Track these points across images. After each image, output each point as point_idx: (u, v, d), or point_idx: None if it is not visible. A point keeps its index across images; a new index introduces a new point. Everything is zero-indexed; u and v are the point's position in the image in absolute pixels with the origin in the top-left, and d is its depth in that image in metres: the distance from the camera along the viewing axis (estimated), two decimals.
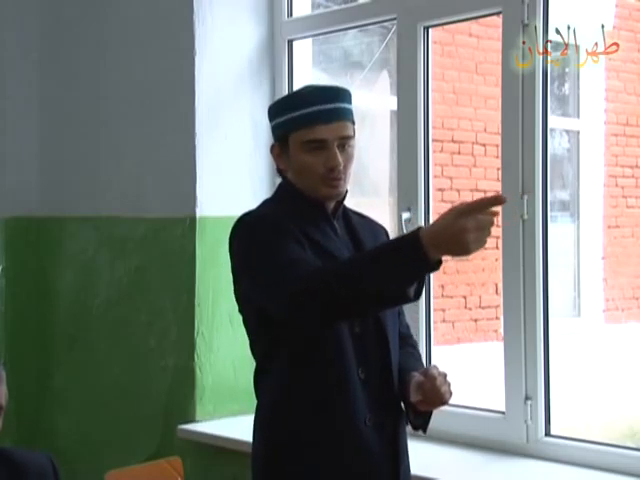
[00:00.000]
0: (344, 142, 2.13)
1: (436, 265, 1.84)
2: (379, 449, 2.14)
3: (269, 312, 2.05)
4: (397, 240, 1.95)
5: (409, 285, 1.89)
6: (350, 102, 2.18)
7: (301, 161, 2.13)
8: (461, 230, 1.78)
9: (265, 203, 2.27)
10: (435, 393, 2.10)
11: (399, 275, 1.86)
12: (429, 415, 2.21)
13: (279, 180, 3.56)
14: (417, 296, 1.93)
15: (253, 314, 2.18)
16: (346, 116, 2.14)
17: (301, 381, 2.12)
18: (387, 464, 2.17)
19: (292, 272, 1.95)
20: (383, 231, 2.35)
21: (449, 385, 2.13)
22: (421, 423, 2.22)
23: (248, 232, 2.12)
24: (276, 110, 2.20)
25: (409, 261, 1.84)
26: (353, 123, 2.18)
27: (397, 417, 2.21)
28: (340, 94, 2.16)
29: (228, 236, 2.19)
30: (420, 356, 2.37)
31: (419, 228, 1.86)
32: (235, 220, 2.18)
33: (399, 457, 2.20)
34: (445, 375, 2.13)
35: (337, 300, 1.89)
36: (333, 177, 2.12)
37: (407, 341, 2.33)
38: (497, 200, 1.84)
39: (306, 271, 1.95)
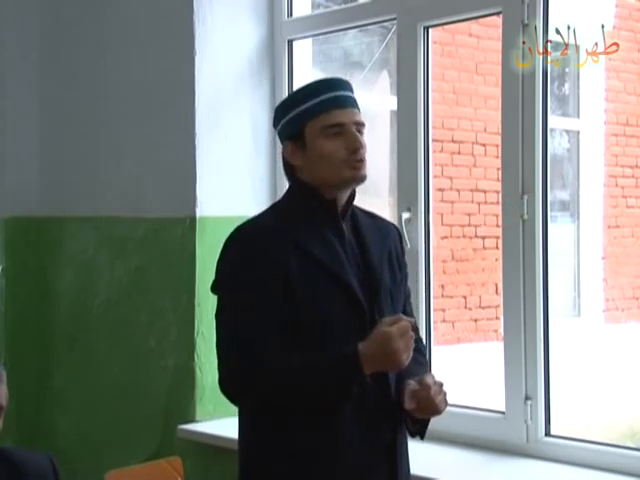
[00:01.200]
0: (359, 128, 2.16)
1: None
2: (374, 452, 2.14)
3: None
4: (338, 362, 2.03)
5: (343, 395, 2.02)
6: (353, 92, 2.22)
7: (321, 148, 2.13)
8: (386, 339, 1.98)
9: (270, 210, 2.26)
10: (429, 402, 2.09)
11: (334, 387, 2.01)
12: (426, 422, 2.21)
13: (279, 180, 3.60)
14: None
15: None
16: (356, 104, 2.19)
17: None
18: (384, 467, 2.16)
19: (240, 356, 2.04)
20: (394, 230, 2.34)
21: (445, 395, 2.12)
22: (418, 430, 2.21)
23: (230, 268, 2.15)
24: (286, 107, 2.20)
25: (347, 375, 2.00)
26: (360, 112, 2.21)
27: (396, 422, 2.19)
28: (346, 84, 2.21)
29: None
30: (426, 361, 2.34)
31: (356, 350, 1.99)
32: (230, 233, 2.18)
33: (397, 462, 2.19)
34: (441, 385, 2.13)
35: (266, 400, 2.06)
36: (355, 159, 2.13)
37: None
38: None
39: (251, 361, 2.03)
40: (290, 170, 2.21)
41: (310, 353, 2.05)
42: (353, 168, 2.13)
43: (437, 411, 2.12)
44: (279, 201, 2.32)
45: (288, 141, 2.18)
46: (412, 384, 2.12)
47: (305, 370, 2.02)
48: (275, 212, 2.22)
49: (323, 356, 2.03)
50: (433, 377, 2.14)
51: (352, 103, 2.17)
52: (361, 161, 2.14)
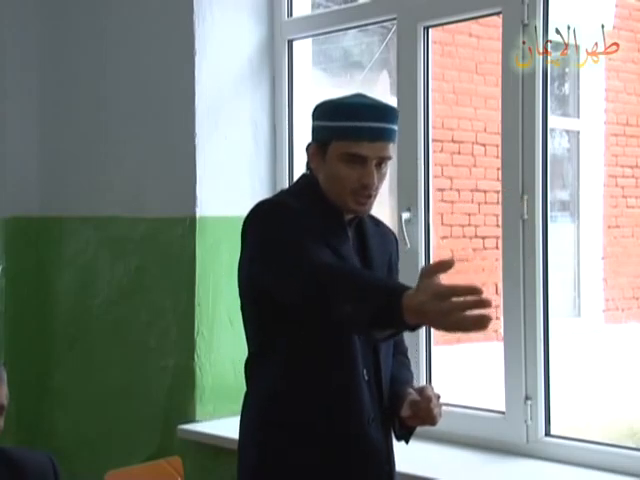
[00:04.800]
0: (382, 161, 2.13)
1: (414, 328, 1.79)
2: (380, 447, 2.17)
3: (280, 298, 2.02)
4: (386, 292, 1.81)
5: (380, 330, 1.88)
6: (396, 122, 2.17)
7: (336, 170, 2.12)
8: (438, 313, 1.65)
9: (282, 194, 2.27)
10: (428, 413, 2.12)
11: (374, 321, 1.81)
12: (413, 429, 2.24)
13: (279, 180, 3.60)
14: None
15: (257, 304, 2.16)
16: (390, 137, 2.14)
17: (306, 384, 2.12)
18: (386, 461, 2.21)
19: (306, 262, 1.93)
20: (394, 239, 2.37)
21: (441, 407, 2.16)
22: (404, 435, 2.24)
23: (266, 216, 2.10)
24: (325, 112, 2.18)
25: (386, 318, 1.78)
26: (394, 143, 2.17)
27: (387, 427, 2.22)
28: (391, 114, 2.15)
29: (241, 227, 2.17)
30: (410, 363, 2.39)
31: (406, 291, 1.74)
32: (253, 206, 2.15)
33: (391, 465, 2.24)
34: (439, 397, 2.16)
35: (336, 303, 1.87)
36: (364, 194, 2.11)
37: (399, 348, 2.35)
38: (472, 290, 1.66)
39: (320, 262, 1.93)
40: (310, 166, 2.22)
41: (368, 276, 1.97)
42: (357, 202, 2.12)
43: (433, 423, 2.15)
44: (289, 189, 2.32)
45: (314, 143, 2.18)
46: (413, 394, 2.16)
47: (362, 276, 1.94)
48: (292, 197, 2.19)
49: (376, 280, 1.95)
50: (432, 389, 2.18)
51: (385, 137, 2.11)
52: (368, 196, 2.12)
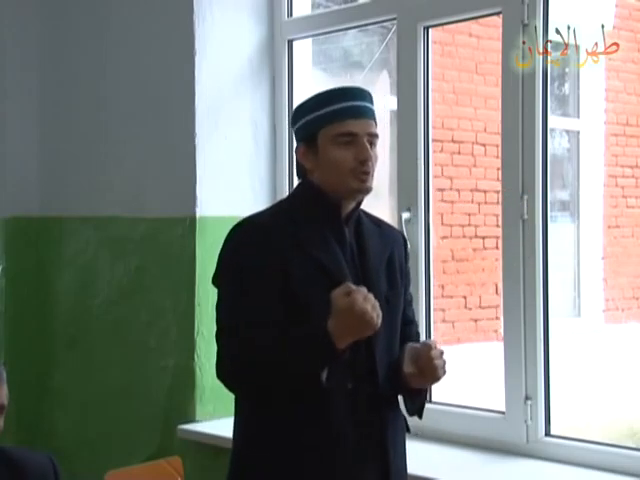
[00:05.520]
0: (371, 139, 2.18)
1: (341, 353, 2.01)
2: (365, 450, 2.15)
3: None
4: (310, 336, 2.03)
5: (320, 370, 2.03)
6: (372, 102, 2.23)
7: (331, 156, 2.16)
8: (351, 305, 1.95)
9: (276, 206, 2.32)
10: (429, 362, 2.12)
11: (311, 366, 2.03)
12: (424, 397, 2.24)
13: (279, 180, 3.60)
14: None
15: None
16: (372, 115, 2.21)
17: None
18: (374, 463, 2.17)
19: (235, 343, 2.07)
20: (399, 237, 2.37)
21: (444, 362, 2.16)
22: (417, 407, 2.24)
23: (230, 256, 2.17)
24: (304, 110, 2.23)
25: (321, 356, 2.01)
26: (376, 122, 2.23)
27: (385, 417, 2.20)
28: (365, 94, 2.23)
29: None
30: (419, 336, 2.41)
31: (326, 331, 1.98)
32: (234, 225, 2.20)
33: (388, 459, 2.19)
34: (442, 352, 2.16)
35: (256, 385, 2.08)
36: (363, 170, 2.15)
37: (411, 327, 2.36)
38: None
39: (245, 347, 2.06)
40: (301, 170, 2.24)
41: (289, 336, 2.06)
42: (359, 180, 2.15)
43: (435, 374, 2.15)
44: (286, 198, 2.38)
45: (302, 143, 2.22)
46: (412, 344, 2.18)
47: (284, 353, 2.04)
48: (280, 209, 2.26)
49: (299, 339, 2.04)
50: (435, 343, 2.18)
51: (368, 114, 2.19)
52: (367, 173, 2.16)
